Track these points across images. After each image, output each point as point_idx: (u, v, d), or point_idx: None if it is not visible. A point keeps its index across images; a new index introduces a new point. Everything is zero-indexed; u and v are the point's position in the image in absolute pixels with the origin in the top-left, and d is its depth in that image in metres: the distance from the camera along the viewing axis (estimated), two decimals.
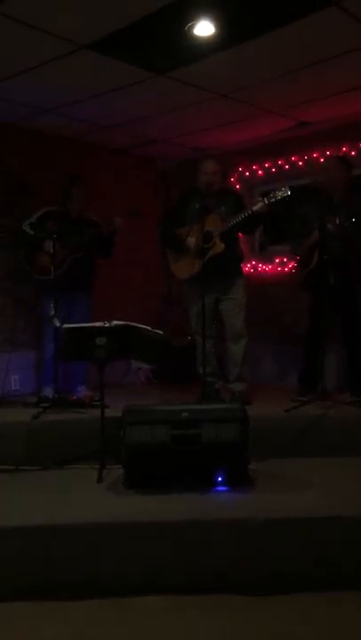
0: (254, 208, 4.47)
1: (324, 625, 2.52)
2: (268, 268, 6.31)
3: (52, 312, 4.41)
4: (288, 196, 4.35)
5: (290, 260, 5.95)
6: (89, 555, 2.82)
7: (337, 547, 2.84)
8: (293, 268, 5.20)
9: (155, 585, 2.78)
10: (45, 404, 4.39)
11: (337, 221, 4.34)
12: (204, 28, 3.86)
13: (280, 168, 6.16)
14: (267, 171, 6.27)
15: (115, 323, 3.83)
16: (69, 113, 5.34)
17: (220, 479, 3.34)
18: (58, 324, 4.27)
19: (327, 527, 2.88)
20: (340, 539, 2.85)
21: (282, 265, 6.18)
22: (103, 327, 3.77)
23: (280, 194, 4.37)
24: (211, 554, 2.83)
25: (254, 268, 6.35)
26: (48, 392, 4.72)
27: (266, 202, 4.41)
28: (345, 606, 2.65)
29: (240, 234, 4.89)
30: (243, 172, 6.43)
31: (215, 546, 2.84)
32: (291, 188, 4.42)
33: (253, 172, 6.36)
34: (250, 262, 6.28)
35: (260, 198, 4.50)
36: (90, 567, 2.82)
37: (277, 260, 6.22)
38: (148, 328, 3.99)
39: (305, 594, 2.73)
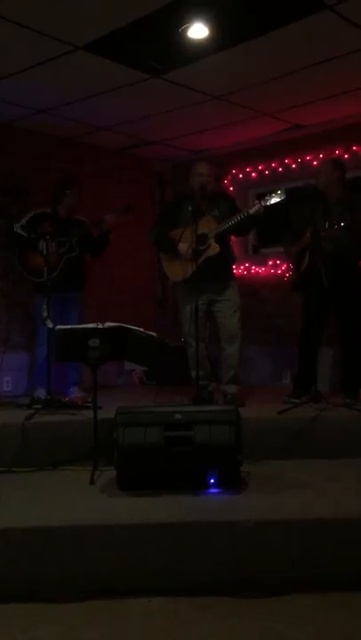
0: (251, 211, 4.48)
1: (322, 626, 2.53)
2: (261, 270, 6.33)
3: (45, 313, 4.41)
4: (284, 199, 4.37)
5: (283, 261, 5.97)
6: (82, 556, 2.81)
7: (331, 548, 2.84)
8: (287, 270, 5.22)
9: (149, 586, 2.78)
10: (38, 406, 4.38)
11: (326, 224, 4.36)
12: (198, 31, 3.88)
13: (274, 170, 6.18)
14: (260, 173, 6.29)
15: (108, 324, 3.82)
16: (65, 113, 5.35)
17: (213, 481, 3.34)
18: (51, 325, 4.27)
19: (321, 529, 2.87)
20: (334, 540, 2.85)
21: (275, 267, 6.20)
22: (96, 328, 3.76)
23: (276, 196, 4.38)
24: (204, 556, 2.83)
25: (247, 270, 6.36)
26: (41, 393, 4.72)
27: (262, 204, 4.42)
28: (342, 607, 2.65)
29: (233, 236, 4.89)
30: (236, 175, 6.44)
31: (209, 547, 2.83)
32: (285, 191, 4.43)
33: (247, 175, 6.38)
34: (243, 264, 6.30)
35: (257, 201, 4.51)
36: (83, 569, 2.81)
37: (270, 263, 6.24)
38: (142, 330, 3.99)
39: (301, 595, 2.72)
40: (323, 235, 4.37)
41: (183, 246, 4.62)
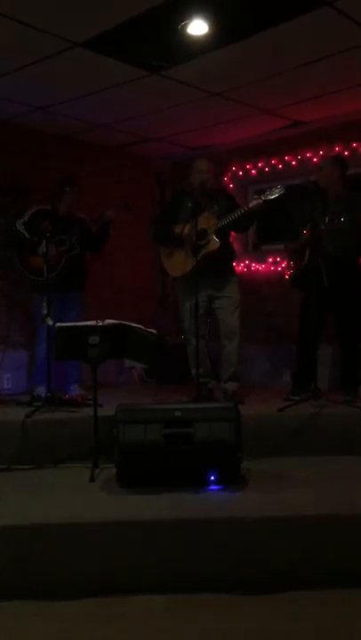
0: (250, 205, 4.48)
1: (318, 624, 2.52)
2: (261, 267, 6.32)
3: (45, 311, 4.40)
4: (283, 194, 4.36)
5: (283, 259, 5.96)
6: (82, 554, 2.81)
7: (331, 546, 2.84)
8: (286, 266, 5.22)
9: (148, 584, 2.78)
10: (38, 403, 4.37)
11: (326, 220, 4.35)
12: (198, 27, 3.87)
13: (274, 167, 6.17)
14: (260, 170, 6.28)
15: (108, 322, 3.82)
16: (65, 111, 5.34)
17: (213, 478, 3.34)
18: (51, 322, 4.27)
19: (321, 526, 2.87)
20: (333, 538, 2.85)
21: (275, 264, 6.19)
22: (96, 326, 3.76)
23: (276, 192, 4.38)
24: (204, 553, 2.83)
25: (248, 267, 6.36)
26: (41, 391, 4.72)
27: (262, 199, 4.42)
28: (339, 605, 2.65)
29: (233, 232, 4.89)
30: (236, 172, 6.44)
31: (208, 545, 2.83)
32: (286, 187, 4.43)
33: (247, 172, 6.37)
34: (243, 262, 6.29)
35: (256, 196, 4.51)
36: (83, 567, 2.81)
37: (271, 260, 6.23)
38: (142, 327, 3.99)
39: (301, 593, 2.72)
40: (323, 229, 4.35)
41: (186, 230, 4.59)
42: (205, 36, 3.98)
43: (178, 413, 3.44)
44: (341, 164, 4.76)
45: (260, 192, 4.55)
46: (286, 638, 2.43)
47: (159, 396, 4.81)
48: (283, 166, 6.10)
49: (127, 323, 3.93)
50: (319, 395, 4.25)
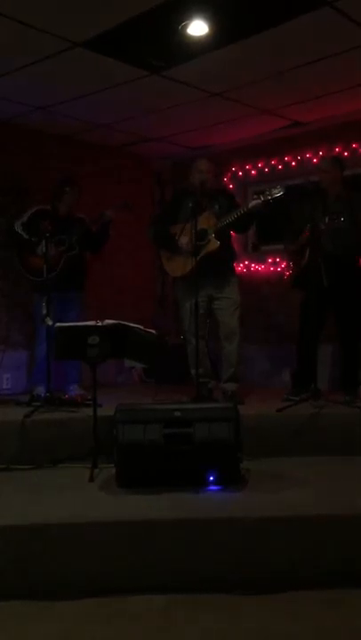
0: (250, 205, 4.49)
1: (318, 624, 2.52)
2: (260, 267, 6.33)
3: (45, 311, 4.40)
4: (283, 194, 4.37)
5: (283, 259, 5.96)
6: (82, 554, 2.81)
7: (331, 546, 2.84)
8: (286, 266, 5.24)
9: (148, 584, 2.77)
10: (38, 403, 4.37)
11: (326, 220, 4.35)
12: (198, 28, 3.87)
13: (274, 168, 6.17)
14: (260, 170, 6.28)
15: (107, 322, 3.82)
16: (65, 111, 5.35)
17: (212, 478, 3.34)
18: (50, 322, 4.27)
19: (321, 526, 2.87)
20: (333, 538, 2.85)
21: (275, 265, 6.19)
22: (96, 326, 3.76)
23: (275, 192, 4.39)
24: (204, 553, 2.82)
25: (248, 267, 6.36)
26: (41, 391, 4.71)
27: (262, 199, 4.42)
28: (339, 605, 2.65)
29: (233, 233, 4.90)
30: (236, 172, 6.44)
31: (208, 545, 2.83)
32: (285, 188, 4.44)
33: (247, 172, 6.37)
34: (243, 262, 6.29)
35: (256, 196, 4.52)
36: (83, 567, 2.81)
37: (270, 260, 6.23)
38: (141, 327, 3.99)
39: (301, 593, 2.72)
40: (323, 228, 4.36)
41: (184, 239, 4.61)
42: (205, 37, 3.98)
43: (177, 413, 3.44)
44: (341, 165, 4.79)
45: (260, 192, 4.55)
46: (286, 638, 2.43)
47: (159, 396, 4.81)
48: (283, 166, 6.10)
49: (127, 323, 3.93)
50: (319, 395, 4.25)
